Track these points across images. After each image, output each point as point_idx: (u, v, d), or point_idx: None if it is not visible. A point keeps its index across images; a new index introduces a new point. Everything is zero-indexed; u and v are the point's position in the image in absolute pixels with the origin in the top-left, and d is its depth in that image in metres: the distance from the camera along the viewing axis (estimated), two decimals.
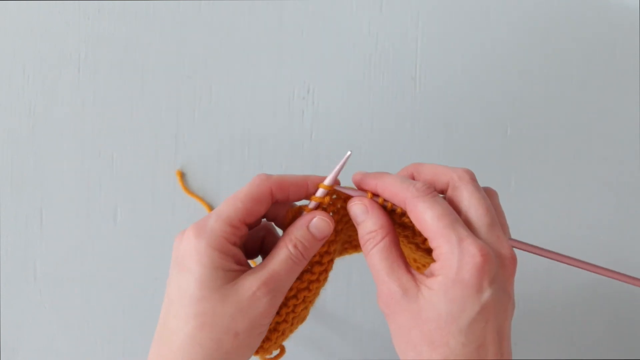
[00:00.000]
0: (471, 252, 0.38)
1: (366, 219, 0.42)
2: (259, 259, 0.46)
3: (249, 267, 0.42)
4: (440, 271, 0.39)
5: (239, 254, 0.42)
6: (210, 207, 0.67)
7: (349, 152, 0.43)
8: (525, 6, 0.69)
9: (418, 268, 0.48)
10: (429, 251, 0.43)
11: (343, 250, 0.50)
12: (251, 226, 0.44)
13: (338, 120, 0.68)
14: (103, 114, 0.66)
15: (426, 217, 0.40)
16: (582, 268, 0.45)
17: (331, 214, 0.44)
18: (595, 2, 0.69)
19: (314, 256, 0.44)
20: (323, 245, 0.45)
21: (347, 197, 0.44)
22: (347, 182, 0.45)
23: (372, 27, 0.68)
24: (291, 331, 0.47)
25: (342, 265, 0.53)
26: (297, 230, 0.43)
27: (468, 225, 0.41)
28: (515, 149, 0.68)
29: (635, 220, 0.69)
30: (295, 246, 0.42)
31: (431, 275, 0.40)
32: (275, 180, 0.43)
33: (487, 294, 0.38)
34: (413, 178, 0.44)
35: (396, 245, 0.42)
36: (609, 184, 0.69)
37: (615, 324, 0.69)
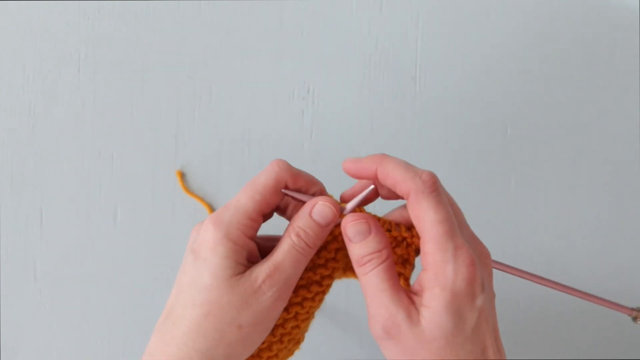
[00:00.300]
0: (466, 261, 0.38)
1: (370, 238, 0.41)
2: None
3: (259, 259, 0.42)
4: (434, 282, 0.38)
5: (254, 247, 0.42)
6: (210, 207, 0.67)
7: (371, 186, 0.42)
8: (526, 6, 0.69)
9: None
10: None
11: (344, 273, 0.49)
12: (267, 216, 0.43)
13: (338, 120, 0.68)
14: (103, 114, 0.66)
15: (427, 218, 0.39)
16: (559, 290, 0.45)
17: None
18: (595, 2, 0.69)
19: (315, 275, 0.43)
20: (326, 268, 0.44)
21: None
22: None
23: (372, 27, 0.68)
24: (285, 355, 0.45)
25: None
26: (300, 219, 0.42)
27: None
28: (515, 149, 0.68)
29: (635, 220, 0.69)
30: (298, 235, 0.41)
31: (422, 287, 0.39)
32: (292, 172, 0.42)
33: (480, 299, 0.39)
34: (376, 171, 0.42)
35: (394, 265, 0.41)
36: (609, 184, 0.69)
37: (616, 324, 0.69)
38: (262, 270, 0.40)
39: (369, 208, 0.44)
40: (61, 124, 0.66)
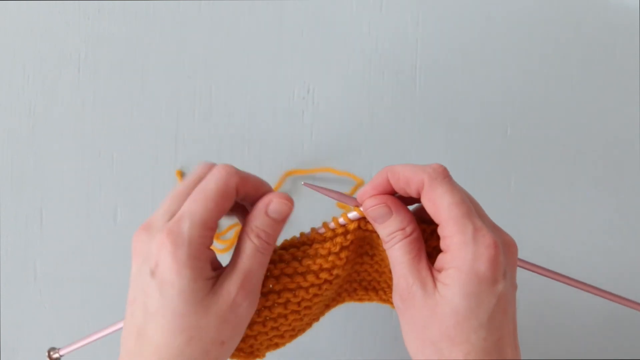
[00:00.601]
0: (486, 243, 0.38)
1: (392, 218, 0.41)
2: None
3: (222, 267, 0.41)
4: (452, 263, 0.38)
5: (213, 255, 0.41)
6: None
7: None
8: (525, 6, 0.69)
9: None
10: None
11: (350, 296, 0.49)
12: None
13: (338, 120, 0.68)
14: (103, 114, 0.66)
15: (444, 202, 0.39)
16: (576, 287, 0.44)
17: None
18: (595, 2, 0.69)
19: (311, 279, 0.43)
20: (330, 274, 0.43)
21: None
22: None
23: (372, 27, 0.68)
24: (266, 343, 0.45)
25: None
26: (257, 219, 0.42)
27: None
28: (515, 149, 0.68)
29: (635, 220, 0.69)
30: (258, 236, 0.41)
31: (441, 268, 0.39)
32: (241, 175, 0.41)
33: (501, 285, 0.38)
34: (388, 182, 0.42)
35: (421, 240, 0.41)
36: (609, 184, 0.69)
37: (616, 324, 0.69)
38: (232, 281, 0.40)
39: None
40: (61, 124, 0.66)
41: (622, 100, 0.69)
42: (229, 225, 0.65)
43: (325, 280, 0.44)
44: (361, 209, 0.42)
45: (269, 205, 0.42)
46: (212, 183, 0.41)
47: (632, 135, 0.69)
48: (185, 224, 0.39)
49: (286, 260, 0.43)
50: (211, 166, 0.42)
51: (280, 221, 0.42)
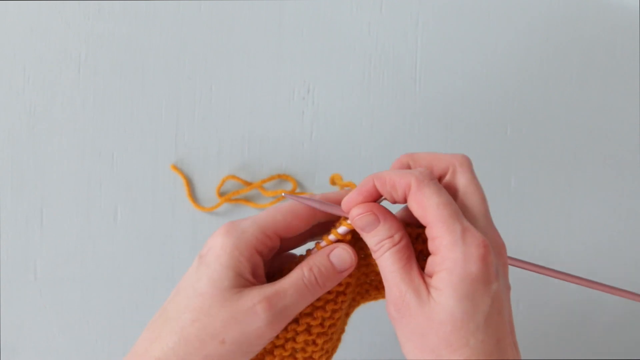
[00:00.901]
0: (475, 243, 0.37)
1: (380, 226, 0.40)
2: None
3: (264, 282, 0.41)
4: (443, 265, 0.37)
5: (260, 265, 0.41)
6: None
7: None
8: (525, 6, 0.69)
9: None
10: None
11: (362, 298, 0.48)
12: (288, 244, 0.43)
13: (338, 120, 0.68)
14: (103, 114, 0.66)
15: (431, 202, 0.38)
16: (572, 282, 0.44)
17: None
18: (595, 2, 0.69)
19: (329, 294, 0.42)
20: (340, 285, 0.43)
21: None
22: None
23: (372, 27, 0.68)
24: None
25: None
26: (317, 257, 0.41)
27: (464, 211, 0.39)
28: (515, 149, 0.68)
29: (635, 220, 0.69)
30: (310, 270, 0.41)
31: (432, 272, 0.38)
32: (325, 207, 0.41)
33: (495, 285, 0.37)
34: (375, 188, 0.41)
35: (410, 247, 0.40)
36: (609, 184, 0.69)
37: (616, 323, 0.69)
38: (262, 291, 0.39)
39: None
40: (61, 124, 0.66)
41: (622, 100, 0.69)
42: None
43: (338, 293, 0.43)
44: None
45: (333, 249, 0.42)
46: (290, 202, 0.42)
47: (632, 135, 0.69)
48: (246, 222, 0.40)
49: None
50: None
51: (339, 271, 0.41)
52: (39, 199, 0.66)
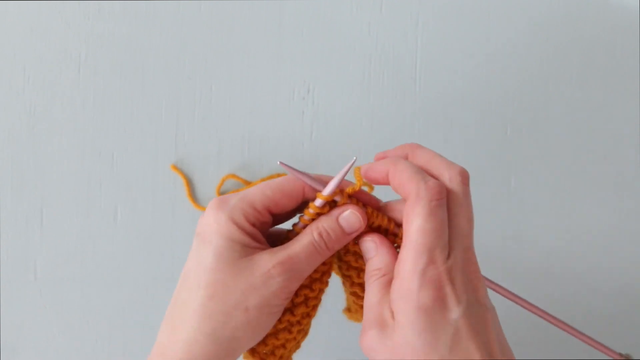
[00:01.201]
0: (433, 277, 0.37)
1: (375, 256, 0.41)
2: None
3: (268, 247, 0.41)
4: (399, 293, 0.38)
5: (258, 234, 0.41)
6: None
7: (354, 158, 0.41)
8: (525, 7, 0.69)
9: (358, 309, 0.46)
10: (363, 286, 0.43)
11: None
12: (278, 219, 0.43)
13: (338, 120, 0.68)
14: (103, 114, 0.66)
15: (414, 224, 0.38)
16: (543, 318, 0.43)
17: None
18: (595, 2, 0.69)
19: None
20: (324, 264, 0.43)
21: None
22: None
23: (372, 27, 0.68)
24: (292, 347, 0.45)
25: None
26: (326, 220, 0.41)
27: (450, 228, 0.39)
28: (515, 149, 0.68)
29: (635, 219, 0.69)
30: (320, 234, 0.41)
31: (394, 297, 0.39)
32: (315, 188, 0.42)
33: (455, 313, 0.37)
34: (407, 159, 0.42)
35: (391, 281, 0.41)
36: (609, 184, 0.69)
37: (616, 324, 0.69)
38: (275, 256, 0.40)
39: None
40: (61, 124, 0.66)
41: (622, 100, 0.69)
42: None
43: (331, 264, 0.44)
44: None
45: (342, 212, 0.42)
46: (280, 178, 0.42)
47: (632, 135, 0.69)
48: (234, 197, 0.41)
49: None
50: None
51: (348, 233, 0.42)
52: (39, 199, 0.66)
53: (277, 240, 0.43)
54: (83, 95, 0.66)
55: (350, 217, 0.41)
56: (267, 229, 0.43)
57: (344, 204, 0.42)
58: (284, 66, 0.67)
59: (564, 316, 0.70)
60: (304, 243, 0.41)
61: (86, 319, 0.66)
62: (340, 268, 0.45)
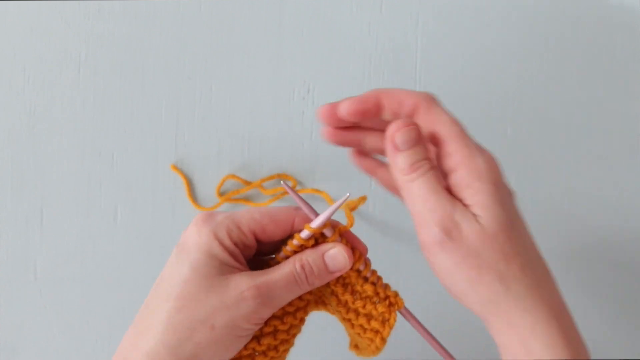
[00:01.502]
0: (488, 154, 0.40)
1: (419, 146, 0.39)
2: None
3: (248, 270, 0.41)
4: (470, 178, 0.38)
5: (239, 255, 0.40)
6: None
7: (347, 194, 0.40)
8: (525, 6, 0.69)
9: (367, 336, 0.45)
10: (368, 316, 0.42)
11: (312, 308, 0.46)
12: (264, 248, 0.42)
13: None
14: (103, 114, 0.66)
15: (443, 119, 0.39)
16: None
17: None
18: (595, 2, 0.69)
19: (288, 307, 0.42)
20: (301, 299, 0.42)
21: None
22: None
23: (372, 27, 0.68)
24: None
25: None
26: (311, 254, 0.41)
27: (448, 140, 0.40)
28: (515, 149, 0.68)
29: (635, 219, 0.69)
30: (302, 266, 0.40)
31: (459, 189, 0.38)
32: (303, 213, 0.41)
33: (509, 188, 0.40)
34: (377, 101, 0.41)
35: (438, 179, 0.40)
36: (609, 184, 0.69)
37: (616, 324, 0.69)
38: (251, 279, 0.39)
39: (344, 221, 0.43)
40: (61, 124, 0.66)
41: (622, 100, 0.69)
42: None
43: (309, 302, 0.43)
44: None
45: (329, 249, 0.41)
46: (276, 207, 0.41)
47: (632, 135, 0.69)
48: (222, 214, 0.40)
49: None
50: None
51: (331, 272, 0.41)
52: (39, 199, 0.66)
53: (259, 268, 0.42)
54: (83, 95, 0.66)
55: (337, 255, 0.41)
56: (251, 255, 0.42)
57: (332, 241, 0.41)
58: (284, 66, 0.67)
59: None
60: (284, 272, 0.40)
61: (86, 319, 0.66)
62: (332, 305, 0.44)
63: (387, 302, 0.42)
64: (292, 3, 0.67)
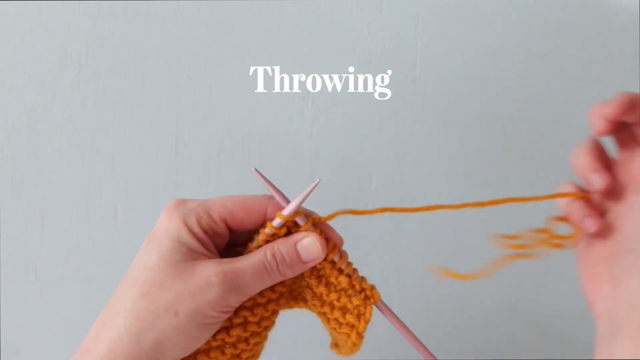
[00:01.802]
0: None
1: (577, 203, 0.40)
2: None
3: (217, 257, 0.40)
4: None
5: (209, 243, 0.40)
6: None
7: (317, 180, 0.40)
8: (525, 6, 0.68)
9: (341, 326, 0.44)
10: (343, 309, 0.42)
11: (290, 304, 0.46)
12: (237, 237, 0.42)
13: (338, 120, 0.67)
14: (103, 114, 0.66)
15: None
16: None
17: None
18: (595, 2, 0.69)
19: (260, 299, 0.41)
20: (284, 286, 0.42)
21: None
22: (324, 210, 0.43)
23: (372, 27, 0.68)
24: None
25: None
26: (282, 243, 0.40)
27: None
28: (515, 149, 0.68)
29: None
30: (273, 255, 0.40)
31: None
32: (278, 207, 0.40)
33: None
34: (630, 107, 0.41)
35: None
36: None
37: None
38: (220, 265, 0.38)
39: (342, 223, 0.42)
40: (61, 124, 0.66)
41: None
42: None
43: (281, 294, 0.43)
44: None
45: (302, 239, 0.40)
46: (248, 195, 0.41)
47: None
48: (193, 202, 0.40)
49: None
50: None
51: (304, 262, 0.40)
52: (39, 199, 0.66)
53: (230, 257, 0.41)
54: (83, 95, 0.66)
55: (310, 245, 0.40)
56: (223, 244, 0.42)
57: (305, 230, 0.40)
58: (284, 66, 0.67)
59: (564, 316, 0.70)
60: (253, 260, 0.39)
61: (86, 319, 0.66)
62: (307, 298, 0.44)
63: (362, 295, 0.41)
64: (292, 3, 0.67)
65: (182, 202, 0.40)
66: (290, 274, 0.41)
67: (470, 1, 0.68)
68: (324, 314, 0.43)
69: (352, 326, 0.42)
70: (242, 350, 0.42)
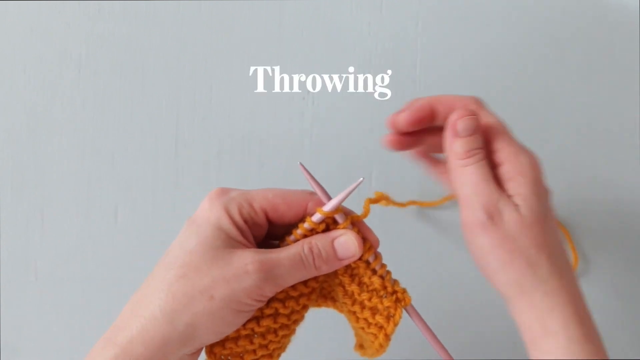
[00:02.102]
0: (530, 152, 0.44)
1: (477, 135, 0.43)
2: None
3: (255, 247, 0.41)
4: (514, 172, 0.42)
5: (248, 232, 0.40)
6: None
7: (361, 178, 0.41)
8: (525, 6, 0.69)
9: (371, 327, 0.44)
10: (373, 310, 0.42)
11: (319, 301, 0.46)
12: (276, 230, 0.42)
13: (338, 120, 0.68)
14: (103, 114, 0.66)
15: (492, 119, 0.45)
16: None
17: None
18: (595, 2, 0.69)
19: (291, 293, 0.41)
20: (316, 281, 0.42)
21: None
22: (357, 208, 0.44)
23: (372, 27, 0.68)
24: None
25: None
26: (320, 238, 0.41)
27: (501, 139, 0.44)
28: None
29: (635, 219, 0.69)
30: (310, 249, 0.40)
31: (503, 181, 0.42)
32: (317, 198, 0.41)
33: (547, 187, 0.43)
34: (432, 111, 0.46)
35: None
36: (609, 185, 0.69)
37: (616, 324, 0.69)
38: (257, 255, 0.39)
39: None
40: (61, 124, 0.66)
41: (622, 100, 0.69)
42: None
43: (314, 289, 0.43)
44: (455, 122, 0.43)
45: (340, 236, 0.41)
46: (292, 189, 0.42)
47: (632, 135, 0.69)
48: (236, 191, 0.41)
49: None
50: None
51: (340, 258, 0.41)
52: (39, 199, 0.66)
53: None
54: (83, 95, 0.66)
55: (347, 242, 0.41)
56: (262, 235, 0.42)
57: (343, 228, 0.41)
58: (284, 66, 0.67)
59: None
60: (290, 252, 0.40)
61: (86, 319, 0.66)
62: (338, 296, 0.44)
63: (394, 297, 0.42)
64: (292, 3, 0.67)
65: (225, 191, 0.41)
66: (325, 269, 0.41)
67: (470, 1, 0.68)
68: (354, 312, 0.43)
69: (381, 327, 0.42)
70: (270, 341, 0.42)
